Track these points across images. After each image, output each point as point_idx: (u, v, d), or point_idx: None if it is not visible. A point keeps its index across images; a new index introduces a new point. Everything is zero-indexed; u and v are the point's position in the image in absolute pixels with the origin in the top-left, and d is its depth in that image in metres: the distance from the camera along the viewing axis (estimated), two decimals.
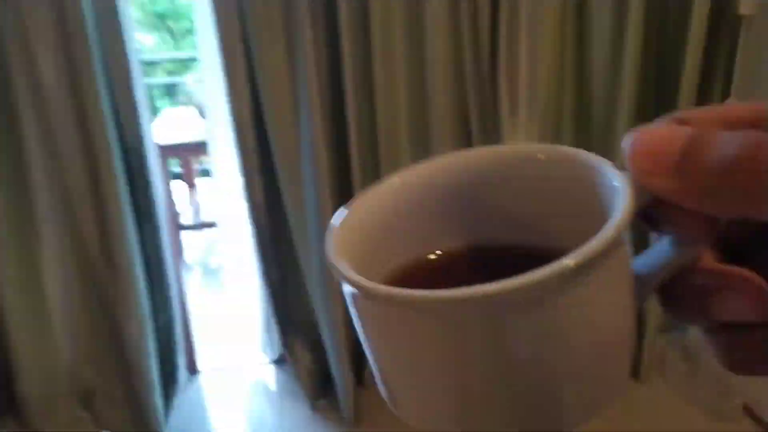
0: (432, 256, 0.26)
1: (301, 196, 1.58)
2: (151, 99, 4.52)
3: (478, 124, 1.58)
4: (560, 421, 0.21)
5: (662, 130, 0.20)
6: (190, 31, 8.81)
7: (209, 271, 2.99)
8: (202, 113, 2.93)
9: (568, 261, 0.18)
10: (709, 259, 0.23)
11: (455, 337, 0.19)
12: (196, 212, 3.16)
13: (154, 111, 4.10)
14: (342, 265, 0.21)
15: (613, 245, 0.19)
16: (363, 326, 0.22)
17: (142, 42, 8.86)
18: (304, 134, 1.54)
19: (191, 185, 3.28)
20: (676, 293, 0.23)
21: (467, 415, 0.21)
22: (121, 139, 1.53)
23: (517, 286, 0.18)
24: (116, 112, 1.51)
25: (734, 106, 0.22)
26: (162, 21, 8.95)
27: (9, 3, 1.36)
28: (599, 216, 0.20)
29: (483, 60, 1.55)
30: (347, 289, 0.21)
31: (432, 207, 0.26)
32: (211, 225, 2.92)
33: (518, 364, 0.19)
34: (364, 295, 0.20)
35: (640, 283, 0.22)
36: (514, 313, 0.19)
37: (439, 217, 0.26)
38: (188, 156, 3.22)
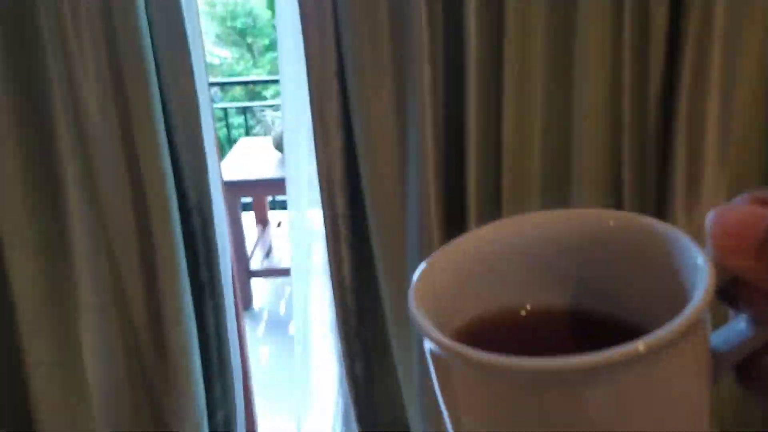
0: (514, 311, 0.26)
1: (401, 270, 1.22)
2: (227, 126, 4.30)
3: (634, 185, 1.18)
4: None
5: (745, 211, 0.21)
6: (270, 48, 8.76)
7: (278, 321, 2.68)
8: (279, 146, 2.63)
9: (639, 344, 0.18)
10: None
11: (526, 401, 0.20)
12: (268, 255, 2.85)
13: (229, 141, 3.90)
14: (421, 316, 0.21)
15: (691, 328, 0.19)
16: (439, 381, 0.22)
17: (220, 57, 8.86)
18: (410, 200, 1.18)
19: (264, 224, 2.99)
20: (752, 372, 0.23)
21: None
22: (182, 194, 1.22)
23: (586, 363, 0.18)
24: (175, 156, 1.20)
25: None
26: (242, 37, 8.93)
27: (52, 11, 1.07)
28: (680, 291, 0.21)
29: (648, 110, 1.15)
30: (425, 343, 0.21)
31: (514, 263, 0.26)
32: (284, 272, 2.60)
33: None
34: (440, 350, 0.21)
35: (716, 360, 0.22)
36: (583, 387, 0.19)
37: (520, 273, 0.26)
38: (262, 194, 2.93)
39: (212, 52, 8.56)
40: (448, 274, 0.25)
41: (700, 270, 0.20)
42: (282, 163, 2.55)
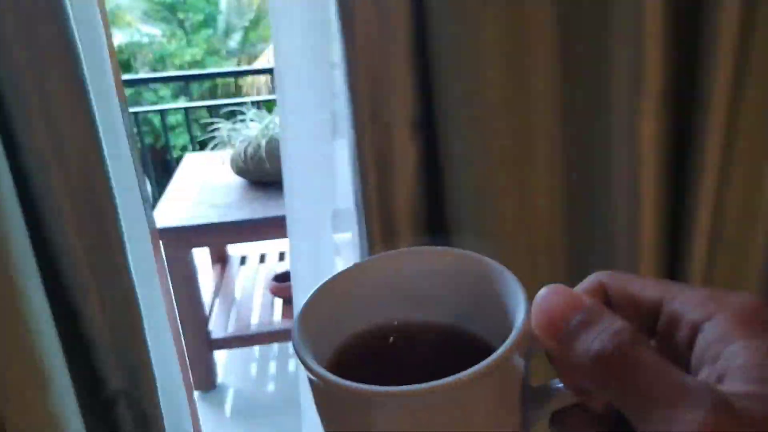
0: (384, 328, 0.31)
1: None
2: (190, 135, 3.53)
3: None
4: None
5: (568, 297, 0.23)
6: (204, 24, 7.83)
7: (249, 399, 2.05)
8: (243, 170, 1.97)
9: (462, 376, 0.23)
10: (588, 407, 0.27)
11: (369, 418, 0.24)
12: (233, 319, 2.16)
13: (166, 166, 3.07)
14: (303, 349, 0.26)
15: (488, 373, 0.23)
16: (318, 405, 0.26)
17: (149, 35, 7.89)
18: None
19: (223, 264, 2.33)
20: (560, 419, 0.27)
21: None
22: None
23: (415, 390, 0.22)
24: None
25: (647, 283, 0.25)
26: (172, 12, 7.95)
27: None
28: (506, 319, 0.26)
29: None
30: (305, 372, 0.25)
31: (377, 292, 0.31)
32: (261, 338, 1.98)
33: None
34: (315, 381, 0.25)
35: (534, 407, 0.27)
36: (417, 408, 0.23)
37: (391, 298, 0.31)
38: (221, 242, 2.26)
39: (140, 29, 7.58)
40: (329, 303, 0.29)
41: (515, 322, 0.25)
42: (244, 194, 1.91)
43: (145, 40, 7.58)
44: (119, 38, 7.65)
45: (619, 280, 0.25)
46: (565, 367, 0.25)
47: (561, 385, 0.26)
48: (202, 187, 2.03)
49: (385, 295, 0.31)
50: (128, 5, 7.56)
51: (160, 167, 4.37)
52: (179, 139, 7.05)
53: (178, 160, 2.46)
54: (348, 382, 0.23)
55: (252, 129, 1.96)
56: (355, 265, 0.31)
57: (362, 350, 0.29)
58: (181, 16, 7.65)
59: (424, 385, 0.22)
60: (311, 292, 0.28)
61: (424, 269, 0.31)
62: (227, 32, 8.25)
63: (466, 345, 0.28)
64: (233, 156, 1.99)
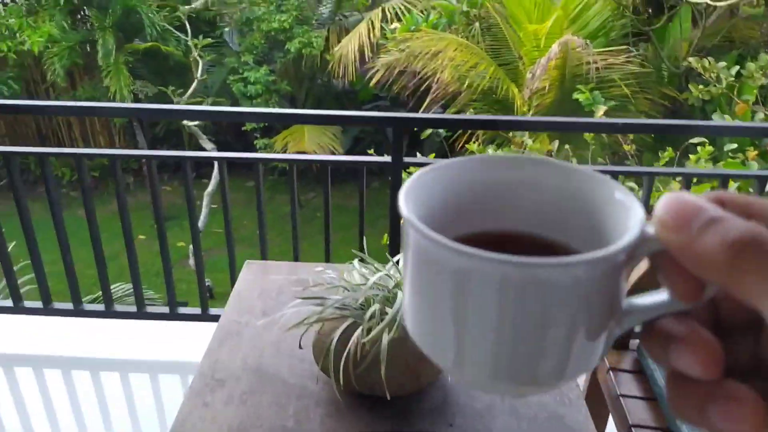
0: (488, 235, 0.32)
1: None
2: None
3: None
4: (536, 380, 0.26)
5: (695, 198, 0.24)
6: None
7: None
8: None
9: (575, 257, 0.24)
10: (690, 317, 0.26)
11: (493, 292, 0.25)
12: None
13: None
14: (414, 218, 0.26)
15: (609, 260, 0.24)
16: (417, 267, 0.27)
17: None
18: None
19: None
20: (652, 330, 0.27)
21: (462, 353, 0.26)
22: None
23: (540, 262, 0.23)
24: None
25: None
26: None
27: None
28: (613, 232, 0.27)
29: None
30: (419, 241, 0.25)
31: (479, 193, 0.32)
32: None
33: (523, 321, 0.25)
34: (438, 248, 0.25)
35: (629, 312, 0.27)
36: (524, 284, 0.24)
37: (492, 203, 0.32)
38: None
39: None
40: (437, 190, 0.30)
41: (632, 227, 0.25)
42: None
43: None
44: None
45: (740, 198, 0.25)
46: (691, 262, 0.23)
47: (664, 294, 0.26)
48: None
49: (482, 201, 0.31)
50: None
51: None
52: None
53: None
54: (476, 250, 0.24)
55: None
56: (465, 161, 0.31)
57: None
58: None
59: (543, 259, 0.23)
60: (415, 175, 0.29)
61: (522, 179, 0.31)
62: None
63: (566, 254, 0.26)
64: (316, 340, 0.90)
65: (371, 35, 6.52)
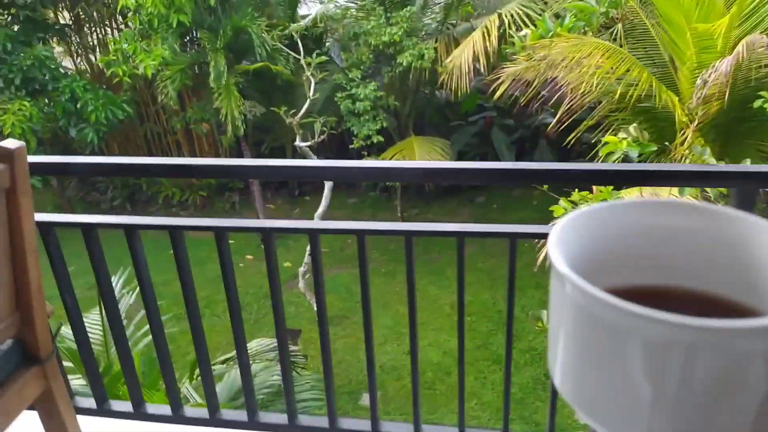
0: (644, 289, 0.29)
1: None
2: None
3: None
4: None
5: None
6: (405, 1, 6.96)
7: None
8: None
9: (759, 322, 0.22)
10: None
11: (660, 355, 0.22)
12: None
13: None
14: (571, 273, 0.24)
15: None
16: (578, 326, 0.25)
17: None
18: None
19: None
20: None
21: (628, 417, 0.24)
22: None
23: (737, 326, 0.21)
24: None
25: None
26: None
27: None
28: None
29: None
30: (576, 297, 0.23)
31: (637, 242, 0.29)
32: None
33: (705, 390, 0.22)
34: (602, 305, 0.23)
35: None
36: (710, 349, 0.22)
37: (639, 254, 0.29)
38: None
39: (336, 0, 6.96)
40: (588, 237, 0.27)
41: None
42: None
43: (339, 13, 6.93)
44: (315, 8, 7.07)
45: None
46: None
47: None
48: None
49: (639, 251, 0.28)
50: None
51: None
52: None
53: None
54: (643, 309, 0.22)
55: None
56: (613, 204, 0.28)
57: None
58: None
59: (719, 322, 0.21)
60: (568, 218, 0.27)
61: (681, 225, 0.27)
62: (424, 8, 7.37)
63: (739, 314, 0.25)
64: None
65: (487, 43, 6.11)
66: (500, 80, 5.16)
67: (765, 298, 0.24)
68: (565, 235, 0.27)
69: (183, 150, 8.58)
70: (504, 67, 5.12)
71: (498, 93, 5.15)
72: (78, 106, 6.98)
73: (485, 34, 6.15)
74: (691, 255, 0.28)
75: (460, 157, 7.82)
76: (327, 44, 7.47)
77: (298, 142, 5.86)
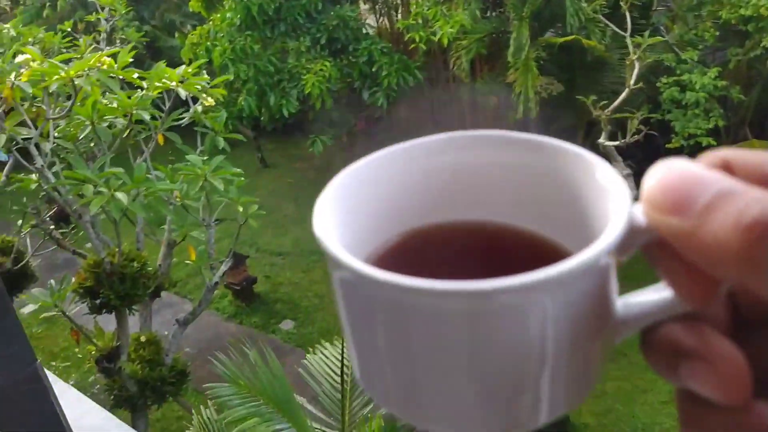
0: (423, 229, 0.26)
1: None
2: None
3: None
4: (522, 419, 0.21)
5: (695, 170, 0.18)
6: None
7: None
8: None
9: (537, 275, 0.18)
10: (702, 319, 0.20)
11: (434, 324, 0.19)
12: None
13: None
14: (332, 243, 0.20)
15: (587, 270, 0.19)
16: (348, 305, 0.22)
17: None
18: None
19: None
20: (654, 339, 0.21)
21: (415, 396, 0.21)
22: None
23: (489, 288, 0.18)
24: None
25: None
26: None
27: None
28: (594, 221, 0.21)
29: None
30: (337, 272, 0.21)
31: (424, 182, 0.26)
32: None
33: (483, 356, 0.19)
34: (353, 276, 0.20)
35: (624, 319, 0.22)
36: (488, 313, 0.19)
37: (429, 192, 0.26)
38: None
39: None
40: (366, 191, 0.24)
41: (618, 216, 0.20)
42: None
43: None
44: None
45: (751, 156, 0.19)
46: (696, 254, 0.18)
47: (666, 291, 0.21)
48: None
49: (438, 188, 0.26)
50: None
51: None
52: None
53: None
54: (399, 277, 0.19)
55: None
56: (402, 147, 0.25)
57: (409, 252, 0.24)
58: None
59: (493, 282, 0.18)
60: (341, 173, 0.24)
61: (491, 160, 0.25)
62: None
63: (539, 251, 0.22)
64: None
65: None
66: None
67: (568, 232, 0.21)
68: (344, 189, 0.23)
69: (466, 121, 8.13)
70: None
71: None
72: (373, 69, 6.96)
73: None
74: (499, 189, 0.24)
75: None
76: (652, 17, 6.09)
77: (602, 140, 4.83)
